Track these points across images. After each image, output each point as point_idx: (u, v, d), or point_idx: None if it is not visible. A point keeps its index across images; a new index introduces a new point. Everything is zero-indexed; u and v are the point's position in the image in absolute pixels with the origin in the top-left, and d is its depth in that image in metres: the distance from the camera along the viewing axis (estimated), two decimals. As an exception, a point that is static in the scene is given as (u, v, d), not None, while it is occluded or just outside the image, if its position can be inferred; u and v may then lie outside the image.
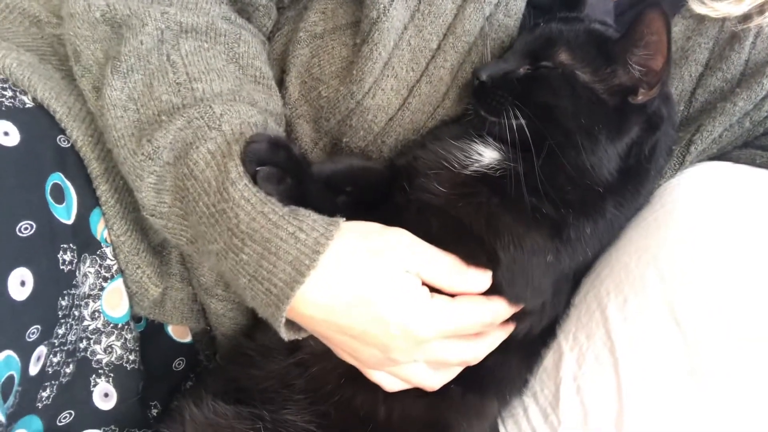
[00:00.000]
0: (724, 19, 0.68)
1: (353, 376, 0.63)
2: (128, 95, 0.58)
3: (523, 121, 0.60)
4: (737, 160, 0.65)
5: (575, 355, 0.64)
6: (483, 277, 0.59)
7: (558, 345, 0.66)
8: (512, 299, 0.61)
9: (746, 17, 0.67)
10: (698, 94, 0.70)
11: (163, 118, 0.57)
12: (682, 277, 0.57)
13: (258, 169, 0.55)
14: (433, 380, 0.62)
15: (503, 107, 0.61)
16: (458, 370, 0.63)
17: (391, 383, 0.61)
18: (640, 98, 0.60)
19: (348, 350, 0.59)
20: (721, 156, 0.68)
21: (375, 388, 0.63)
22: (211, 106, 0.58)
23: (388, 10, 0.64)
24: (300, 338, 0.59)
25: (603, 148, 0.60)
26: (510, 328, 0.63)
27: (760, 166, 0.62)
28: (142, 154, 0.57)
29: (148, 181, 0.57)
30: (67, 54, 0.67)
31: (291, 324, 0.57)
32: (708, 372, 0.55)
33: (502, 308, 0.61)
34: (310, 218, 0.54)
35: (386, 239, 0.57)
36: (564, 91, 0.61)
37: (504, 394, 0.70)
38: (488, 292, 0.60)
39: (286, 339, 0.58)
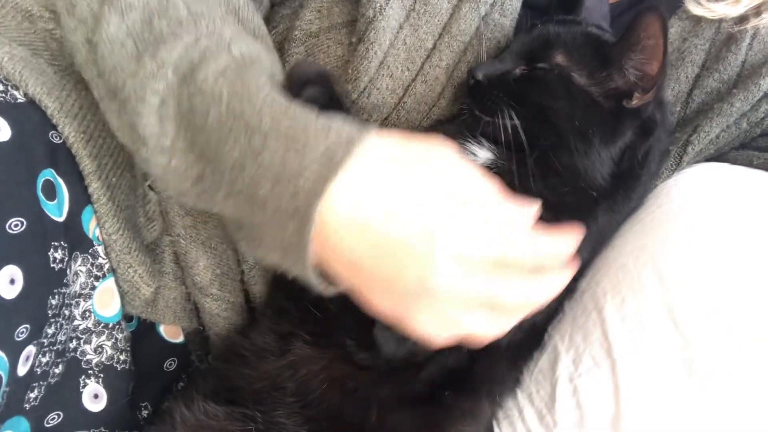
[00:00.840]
0: (720, 21, 0.69)
1: (337, 381, 0.62)
2: (126, 32, 0.53)
3: (517, 122, 0.60)
4: (734, 162, 0.65)
5: (571, 356, 0.63)
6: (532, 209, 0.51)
7: (554, 346, 0.66)
8: None
9: (743, 18, 0.67)
10: (695, 95, 0.70)
11: (169, 38, 0.52)
12: (680, 278, 0.57)
13: (303, 90, 0.51)
14: (489, 326, 0.51)
15: (498, 107, 0.61)
16: (516, 319, 0.53)
17: (438, 330, 0.51)
18: (635, 102, 0.60)
19: (383, 279, 0.49)
20: (718, 157, 0.68)
21: (364, 397, 0.62)
22: (221, 32, 0.53)
23: (384, 9, 0.64)
24: (327, 291, 0.52)
25: (596, 152, 0.59)
26: (571, 272, 0.54)
27: (757, 167, 0.62)
28: (144, 73, 0.51)
29: (150, 103, 0.51)
30: (60, 48, 0.67)
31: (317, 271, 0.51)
32: (707, 372, 0.55)
33: (569, 242, 0.52)
34: (341, 119, 0.48)
35: (431, 147, 0.50)
36: (559, 92, 0.60)
37: (494, 396, 0.69)
38: None
39: (311, 276, 0.50)
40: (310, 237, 0.47)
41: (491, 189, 0.50)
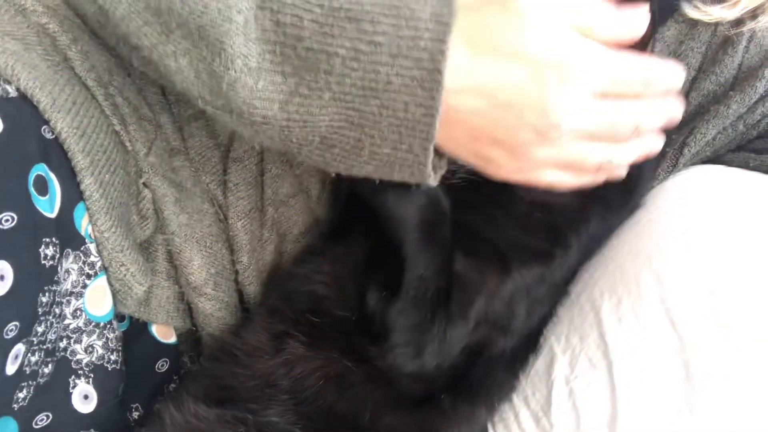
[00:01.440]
0: (716, 24, 0.69)
1: (332, 379, 0.62)
2: None
3: None
4: (730, 164, 0.65)
5: (568, 358, 0.63)
6: (641, 15, 0.51)
7: (550, 348, 0.65)
8: None
9: (739, 22, 0.67)
10: (692, 98, 0.70)
11: None
12: (678, 279, 0.57)
13: None
14: (617, 156, 0.52)
15: None
16: (638, 150, 0.53)
17: (567, 176, 0.53)
18: None
19: (504, 136, 0.50)
20: (714, 159, 0.68)
21: (359, 396, 0.62)
22: None
23: None
24: (433, 180, 0.53)
25: None
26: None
27: (753, 169, 0.63)
28: None
29: (237, 22, 0.50)
30: (53, 43, 0.66)
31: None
32: (704, 375, 0.54)
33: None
34: None
35: None
36: None
37: (492, 401, 0.69)
38: None
39: (429, 156, 0.50)
40: (442, 96, 0.47)
41: (597, 13, 0.50)
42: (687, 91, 0.70)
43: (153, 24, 0.54)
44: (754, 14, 0.67)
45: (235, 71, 0.51)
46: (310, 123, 0.51)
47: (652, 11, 0.53)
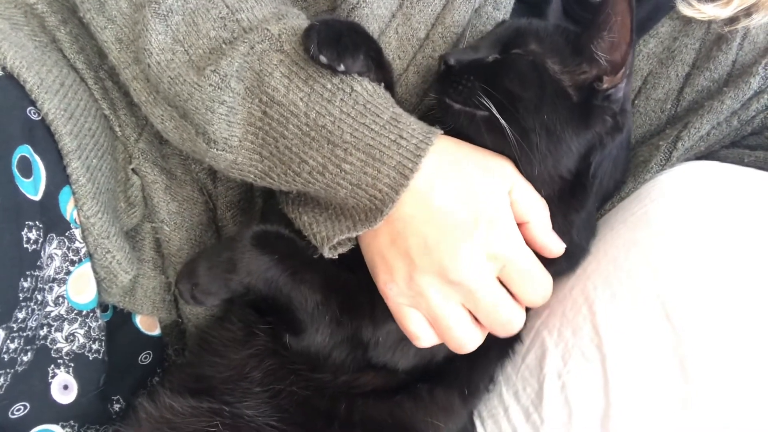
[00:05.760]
0: (710, 22, 0.69)
1: (303, 373, 0.62)
2: (173, 37, 0.57)
3: (486, 113, 0.58)
4: (725, 160, 0.65)
5: (560, 352, 0.62)
6: (561, 245, 0.60)
7: (542, 341, 0.64)
8: None
9: (733, 20, 0.67)
10: (686, 93, 0.70)
11: (224, 46, 0.57)
12: (673, 271, 0.56)
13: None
14: (472, 331, 0.58)
15: (469, 91, 0.59)
16: (481, 334, 0.59)
17: (425, 328, 0.58)
18: (606, 85, 0.59)
19: (415, 255, 0.56)
20: (709, 155, 0.68)
21: (332, 390, 0.62)
22: (267, 29, 0.57)
23: None
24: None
25: (565, 143, 0.59)
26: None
27: (747, 164, 0.62)
28: (209, 85, 0.56)
29: (219, 112, 0.56)
30: (41, 24, 0.65)
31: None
32: (698, 367, 0.54)
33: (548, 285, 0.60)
34: (410, 127, 0.56)
35: (492, 159, 0.58)
36: (531, 79, 0.59)
37: (464, 391, 0.67)
38: None
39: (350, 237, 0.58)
40: (380, 223, 0.56)
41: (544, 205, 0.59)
42: (681, 87, 0.70)
43: (141, 81, 0.60)
44: (748, 12, 0.67)
45: (217, 150, 0.57)
46: (293, 186, 0.58)
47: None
